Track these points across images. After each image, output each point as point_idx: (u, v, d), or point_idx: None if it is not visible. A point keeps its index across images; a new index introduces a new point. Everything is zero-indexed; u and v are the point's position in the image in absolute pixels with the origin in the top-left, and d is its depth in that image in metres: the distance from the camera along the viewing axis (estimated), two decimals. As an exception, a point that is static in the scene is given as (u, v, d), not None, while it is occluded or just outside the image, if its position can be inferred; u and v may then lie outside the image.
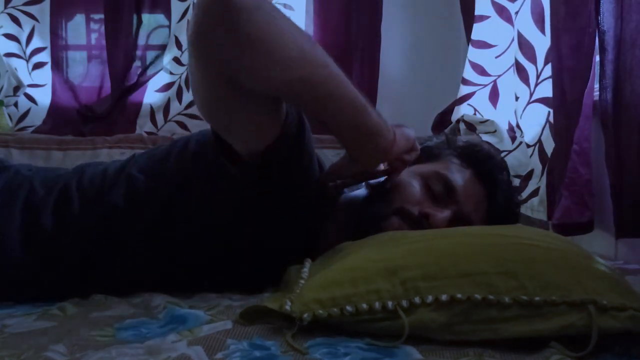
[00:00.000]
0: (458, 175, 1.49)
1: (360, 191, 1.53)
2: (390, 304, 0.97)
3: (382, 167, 1.46)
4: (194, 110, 3.34)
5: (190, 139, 1.51)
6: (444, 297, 0.97)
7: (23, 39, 3.37)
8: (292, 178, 1.36)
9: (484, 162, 1.54)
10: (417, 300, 0.97)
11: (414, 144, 1.42)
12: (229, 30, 1.14)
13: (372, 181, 1.50)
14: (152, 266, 1.43)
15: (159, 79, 3.40)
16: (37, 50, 3.40)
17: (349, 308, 0.97)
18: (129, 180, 1.47)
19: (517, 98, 2.50)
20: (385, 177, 1.48)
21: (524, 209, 2.30)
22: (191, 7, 3.34)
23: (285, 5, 3.29)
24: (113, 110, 3.35)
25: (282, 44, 1.18)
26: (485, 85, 2.85)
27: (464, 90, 2.92)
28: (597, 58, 1.88)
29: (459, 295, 0.97)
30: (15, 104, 3.33)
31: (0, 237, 1.41)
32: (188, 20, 3.34)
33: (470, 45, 2.89)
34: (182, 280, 1.41)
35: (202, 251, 1.43)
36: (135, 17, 3.40)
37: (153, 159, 1.52)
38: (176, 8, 3.37)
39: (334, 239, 1.43)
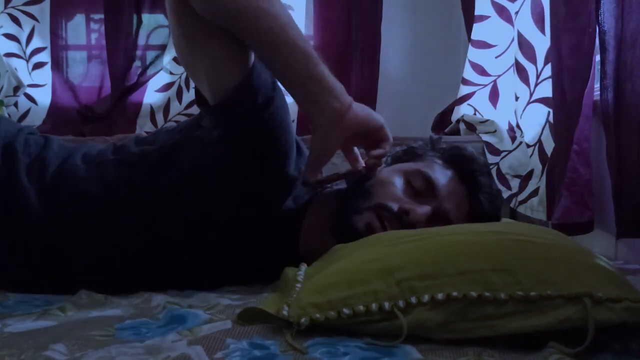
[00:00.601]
0: (440, 174, 1.51)
1: (343, 188, 1.55)
2: (386, 304, 0.97)
3: (362, 163, 1.46)
4: (194, 110, 3.34)
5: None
6: (440, 296, 0.97)
7: (23, 39, 3.37)
8: (262, 139, 1.40)
9: (466, 163, 1.55)
10: (413, 300, 0.98)
11: (380, 128, 1.41)
12: None
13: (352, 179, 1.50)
14: (150, 264, 1.45)
15: (159, 79, 3.41)
16: (37, 50, 3.40)
17: (346, 310, 0.97)
18: (124, 147, 1.58)
19: (517, 98, 2.50)
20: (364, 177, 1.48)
21: (524, 209, 2.30)
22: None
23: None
24: (113, 110, 3.35)
25: None
26: (485, 85, 2.85)
27: (464, 90, 2.92)
28: (597, 58, 1.88)
29: (454, 294, 0.97)
30: (15, 104, 3.34)
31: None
32: None
33: (470, 45, 2.89)
34: (182, 280, 1.42)
35: (201, 249, 1.46)
36: (135, 17, 3.40)
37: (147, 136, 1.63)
38: (176, 8, 3.37)
39: (313, 232, 1.49)
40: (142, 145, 1.56)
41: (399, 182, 1.48)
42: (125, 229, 1.44)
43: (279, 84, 1.40)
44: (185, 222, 1.45)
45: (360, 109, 1.36)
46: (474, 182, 1.51)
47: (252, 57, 1.36)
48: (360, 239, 1.32)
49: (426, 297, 0.97)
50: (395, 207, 1.42)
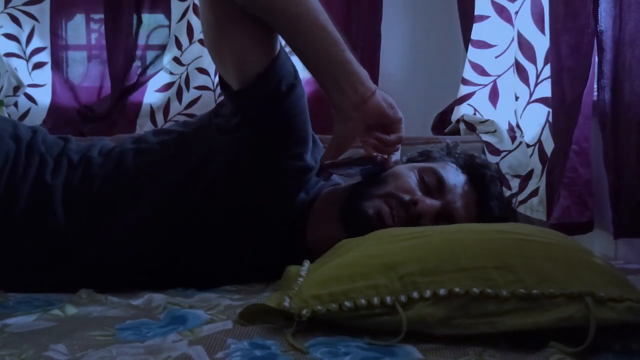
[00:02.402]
0: (452, 175, 1.54)
1: (356, 182, 1.57)
2: (388, 299, 0.97)
3: (377, 156, 1.47)
4: (193, 110, 3.35)
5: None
6: (442, 292, 0.97)
7: (23, 39, 3.38)
8: (282, 126, 1.43)
9: (479, 169, 1.59)
10: (415, 295, 0.98)
11: (398, 122, 1.44)
12: None
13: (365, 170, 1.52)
14: (150, 263, 1.45)
15: (158, 79, 3.41)
16: (37, 50, 3.41)
17: (347, 303, 0.97)
18: (143, 138, 1.60)
19: (517, 98, 2.50)
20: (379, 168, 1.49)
21: (524, 209, 2.30)
22: (191, 7, 3.35)
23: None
24: (113, 110, 3.36)
25: None
26: (485, 85, 2.85)
27: (464, 90, 2.92)
28: (597, 58, 1.88)
29: (457, 290, 0.97)
30: (15, 104, 3.34)
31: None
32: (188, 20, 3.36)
33: (470, 45, 2.89)
34: (182, 280, 1.43)
35: (205, 241, 1.47)
36: (135, 17, 3.41)
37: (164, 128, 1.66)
38: (176, 8, 3.38)
39: (321, 221, 1.52)
40: (160, 135, 1.57)
41: (412, 176, 1.51)
42: (145, 214, 1.47)
43: (299, 74, 1.44)
44: (197, 209, 1.46)
45: (382, 98, 1.39)
46: (485, 188, 1.55)
47: (278, 45, 1.40)
48: (368, 225, 1.36)
49: (428, 293, 0.98)
50: (406, 197, 1.45)
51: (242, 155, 1.43)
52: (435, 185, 1.50)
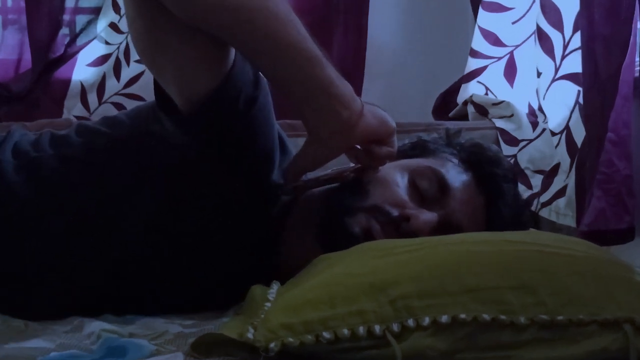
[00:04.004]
0: (455, 175, 1.51)
1: (333, 186, 1.55)
2: (377, 328, 0.98)
3: (349, 175, 1.47)
4: (134, 89, 3.33)
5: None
6: (443, 319, 0.98)
7: None
8: (242, 146, 1.41)
9: (488, 166, 1.55)
10: (410, 322, 0.98)
11: (391, 135, 1.43)
12: None
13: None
14: (87, 279, 1.44)
15: (91, 51, 3.39)
16: (-63, 14, 3.40)
17: (326, 334, 0.98)
18: (65, 139, 1.55)
19: (539, 74, 2.51)
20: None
21: (548, 213, 2.31)
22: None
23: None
24: (34, 89, 3.34)
25: None
26: (500, 58, 2.86)
27: (472, 64, 2.92)
28: (639, 24, 1.89)
29: (462, 316, 0.98)
30: None
31: None
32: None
33: (480, 8, 2.89)
34: (122, 301, 1.42)
35: (152, 263, 1.47)
36: (61, -27, 3.39)
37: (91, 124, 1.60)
38: (112, -39, 3.37)
39: (296, 243, 1.49)
40: (84, 136, 1.53)
41: (402, 182, 1.48)
42: (62, 236, 1.44)
43: (261, 78, 1.40)
44: (137, 227, 1.44)
45: (372, 116, 1.37)
46: (495, 189, 1.52)
47: (232, 54, 1.35)
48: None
49: (427, 320, 0.98)
50: (394, 211, 1.43)
51: (190, 173, 1.42)
52: (433, 192, 1.47)
